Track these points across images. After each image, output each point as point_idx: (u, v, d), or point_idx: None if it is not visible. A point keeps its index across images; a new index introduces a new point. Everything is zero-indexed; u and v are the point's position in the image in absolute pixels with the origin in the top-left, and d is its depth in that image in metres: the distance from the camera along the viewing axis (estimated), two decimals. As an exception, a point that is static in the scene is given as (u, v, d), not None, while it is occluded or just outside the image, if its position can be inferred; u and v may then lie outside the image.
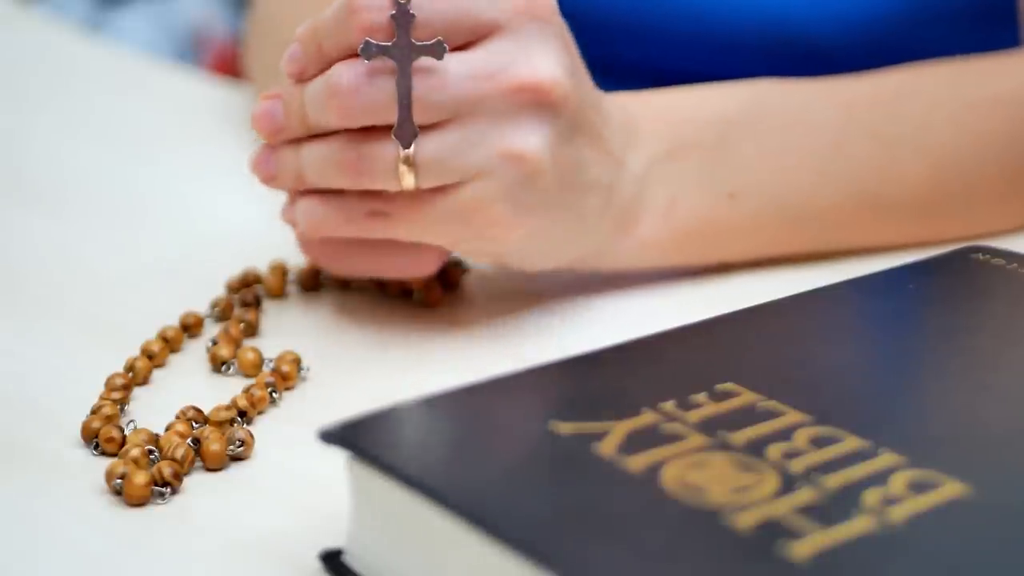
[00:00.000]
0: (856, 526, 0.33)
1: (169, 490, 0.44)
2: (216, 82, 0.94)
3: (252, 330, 0.55)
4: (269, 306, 0.58)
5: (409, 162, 0.49)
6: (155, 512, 0.43)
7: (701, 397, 0.40)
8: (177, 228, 0.68)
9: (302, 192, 0.53)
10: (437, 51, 0.49)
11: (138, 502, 0.43)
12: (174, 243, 0.66)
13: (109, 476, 0.44)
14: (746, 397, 0.40)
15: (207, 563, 0.41)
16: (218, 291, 0.58)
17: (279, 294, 0.59)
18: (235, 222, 0.65)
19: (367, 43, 0.49)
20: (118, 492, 0.43)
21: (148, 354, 0.52)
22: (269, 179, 0.54)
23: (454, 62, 0.49)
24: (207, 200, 0.69)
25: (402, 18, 0.49)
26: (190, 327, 0.55)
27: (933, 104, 0.60)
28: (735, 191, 0.57)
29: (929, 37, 0.71)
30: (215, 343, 0.53)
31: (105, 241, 0.66)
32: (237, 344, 0.54)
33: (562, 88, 0.50)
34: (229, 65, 1.75)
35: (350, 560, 0.39)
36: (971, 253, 0.51)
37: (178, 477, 0.44)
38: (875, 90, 0.61)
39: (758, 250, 0.59)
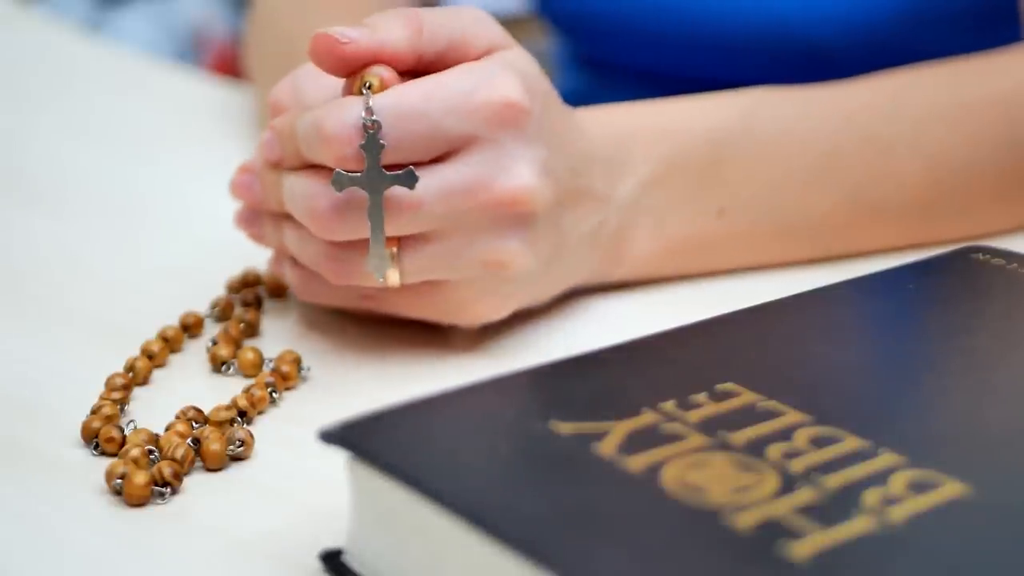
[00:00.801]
0: (856, 526, 0.33)
1: (169, 490, 0.44)
2: (216, 82, 0.94)
3: (252, 330, 0.55)
4: (269, 306, 0.58)
5: (393, 259, 0.49)
6: (155, 512, 0.43)
7: (701, 397, 0.40)
8: (177, 228, 0.68)
9: (291, 261, 0.53)
10: (408, 181, 0.48)
11: (138, 502, 0.43)
12: (174, 243, 0.66)
13: (109, 476, 0.44)
14: (746, 397, 0.40)
15: (207, 563, 0.41)
16: (218, 291, 0.58)
17: (279, 294, 0.59)
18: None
19: (338, 175, 0.48)
20: (118, 492, 0.43)
21: (148, 354, 0.52)
22: (257, 238, 0.55)
23: (427, 179, 0.48)
24: (207, 200, 0.69)
25: (371, 148, 0.48)
26: (190, 327, 0.55)
27: (928, 104, 0.60)
28: (725, 207, 0.57)
29: (930, 39, 0.71)
30: (215, 343, 0.53)
31: (105, 241, 0.66)
32: (237, 344, 0.54)
33: (538, 197, 0.50)
34: (229, 65, 1.76)
35: (350, 560, 0.39)
36: (971, 253, 0.51)
37: (178, 477, 0.44)
38: (872, 94, 0.60)
39: (752, 260, 0.59)
